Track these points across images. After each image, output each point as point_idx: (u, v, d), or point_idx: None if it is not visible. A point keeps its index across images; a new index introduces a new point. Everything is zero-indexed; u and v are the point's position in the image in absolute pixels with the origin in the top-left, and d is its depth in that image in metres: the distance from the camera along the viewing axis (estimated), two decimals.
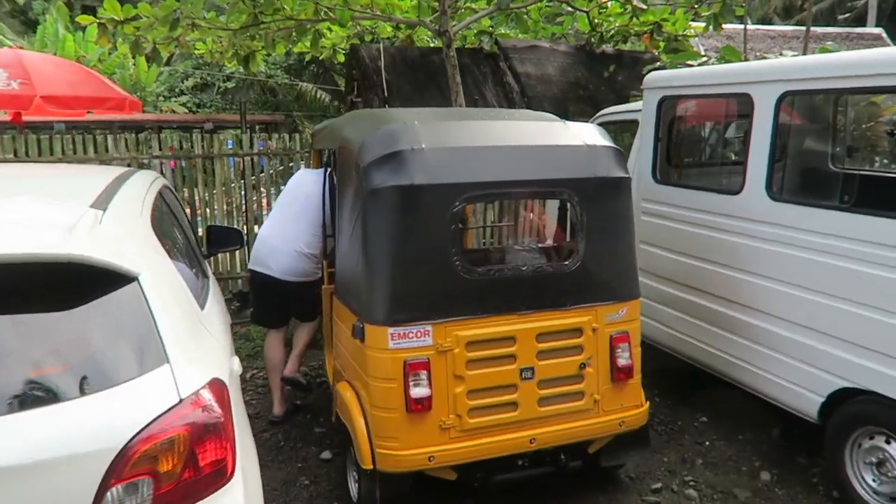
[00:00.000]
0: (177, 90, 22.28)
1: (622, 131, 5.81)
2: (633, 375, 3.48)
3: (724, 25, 8.31)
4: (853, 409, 3.51)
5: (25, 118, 6.95)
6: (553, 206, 4.76)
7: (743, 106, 4.00)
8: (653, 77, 4.80)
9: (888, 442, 3.37)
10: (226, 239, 4.41)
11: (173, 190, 3.97)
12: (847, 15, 22.77)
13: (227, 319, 3.68)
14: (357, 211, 3.22)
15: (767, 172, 3.83)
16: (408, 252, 3.07)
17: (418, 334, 3.09)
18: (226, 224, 6.86)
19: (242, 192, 6.86)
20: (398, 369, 3.07)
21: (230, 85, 22.76)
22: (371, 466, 3.17)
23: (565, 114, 7.65)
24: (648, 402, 3.66)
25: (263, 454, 4.26)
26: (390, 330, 3.06)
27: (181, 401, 1.89)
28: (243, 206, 6.88)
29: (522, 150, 3.29)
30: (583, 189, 3.29)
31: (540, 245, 4.25)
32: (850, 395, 3.51)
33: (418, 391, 3.09)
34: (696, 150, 5.17)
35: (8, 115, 6.96)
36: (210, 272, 4.24)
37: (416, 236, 3.06)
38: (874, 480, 3.46)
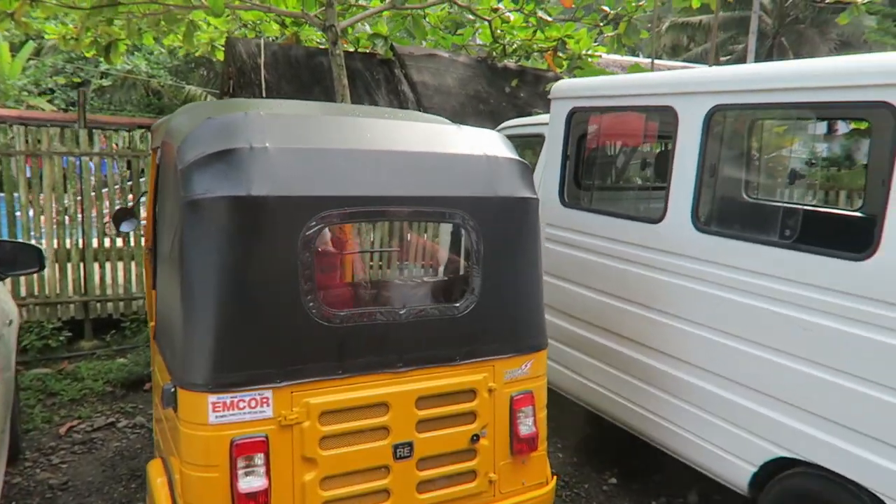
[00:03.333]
0: (43, 85, 20.14)
1: (525, 147, 5.19)
2: (537, 447, 2.76)
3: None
4: (790, 483, 2.96)
5: None
6: (447, 229, 4.03)
7: (666, 121, 3.44)
8: (563, 85, 4.19)
9: None
10: (18, 258, 3.36)
11: None
12: (728, 57, 23.92)
13: None
14: (175, 229, 2.34)
15: (693, 199, 3.27)
16: (239, 289, 2.21)
17: (253, 403, 2.23)
18: (58, 237, 5.67)
19: (79, 199, 5.69)
20: (222, 453, 2.19)
21: (106, 83, 20.85)
22: None
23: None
24: (556, 477, 2.96)
25: None
26: (212, 398, 2.18)
27: None
28: (79, 216, 5.70)
29: (402, 157, 2.50)
30: (480, 211, 2.56)
31: (430, 280, 3.49)
32: (787, 465, 2.96)
33: (250, 482, 2.22)
34: (610, 170, 4.62)
35: None
36: None
37: (253, 267, 2.21)
38: None
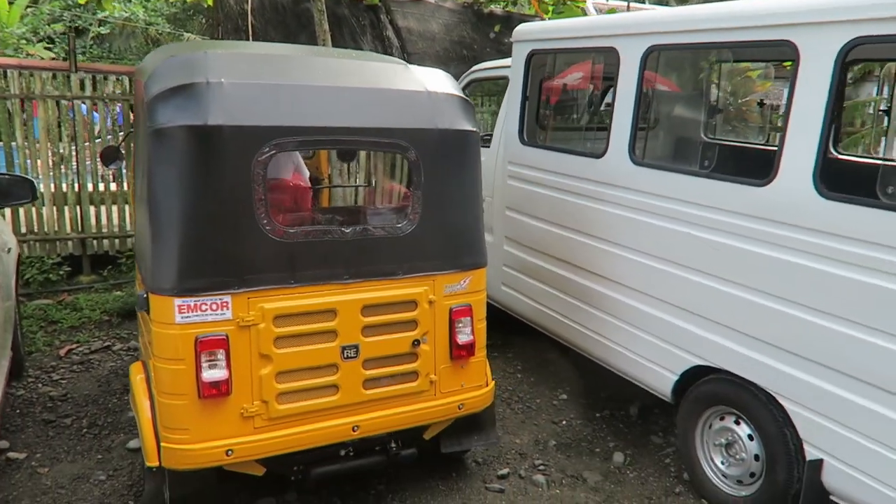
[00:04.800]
0: (42, 33, 20.14)
1: (497, 91, 5.42)
2: (475, 353, 3.12)
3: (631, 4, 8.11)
4: (705, 389, 3.31)
5: None
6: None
7: (610, 62, 3.67)
8: (522, 29, 4.41)
9: (737, 423, 3.19)
10: (13, 190, 3.67)
11: None
12: None
13: None
14: (145, 155, 2.64)
15: (631, 135, 3.54)
16: (200, 207, 2.52)
17: (214, 306, 2.57)
18: (54, 179, 5.98)
19: (74, 143, 5.98)
20: (188, 347, 2.55)
21: (104, 31, 20.81)
22: (157, 464, 2.64)
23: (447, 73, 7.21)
24: (494, 382, 3.33)
25: (60, 446, 3.64)
26: (178, 301, 2.52)
27: None
28: (73, 159, 6.00)
29: (348, 93, 2.78)
30: (420, 141, 2.84)
31: (380, 206, 3.79)
32: (702, 373, 3.31)
33: (213, 374, 2.58)
34: (564, 109, 4.86)
35: None
36: None
37: (212, 188, 2.52)
38: (723, 462, 3.28)
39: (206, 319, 2.56)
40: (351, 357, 2.82)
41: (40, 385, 4.32)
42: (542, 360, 4.95)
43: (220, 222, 2.54)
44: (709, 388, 3.29)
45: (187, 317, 2.54)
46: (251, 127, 2.54)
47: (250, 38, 7.20)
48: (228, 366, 2.60)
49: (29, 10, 19.90)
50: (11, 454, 3.52)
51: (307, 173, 4.34)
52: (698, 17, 3.12)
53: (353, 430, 2.87)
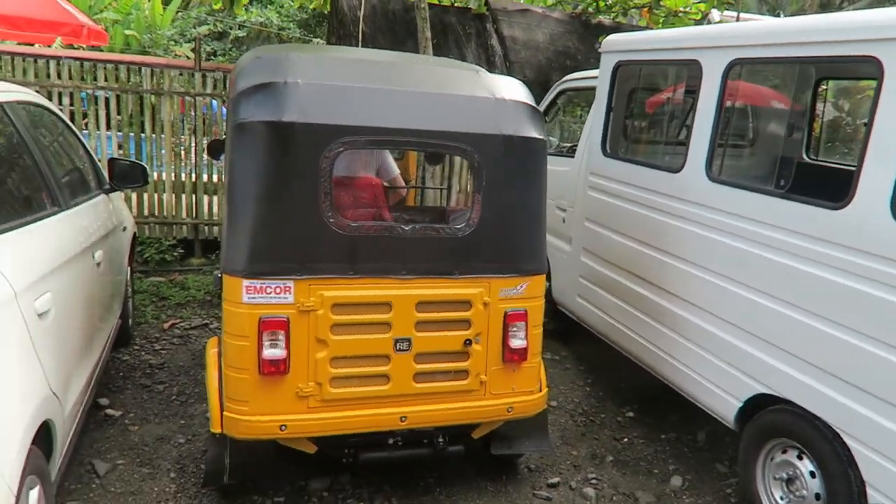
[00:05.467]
0: (188, 35, 21.94)
1: (585, 101, 5.40)
2: (528, 358, 3.15)
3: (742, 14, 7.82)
4: (768, 418, 3.17)
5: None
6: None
7: (693, 75, 3.59)
8: (611, 40, 4.38)
9: (800, 458, 3.03)
10: (129, 174, 4.10)
11: (49, 108, 3.61)
12: None
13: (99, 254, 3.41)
14: (228, 146, 2.89)
15: (709, 150, 3.44)
16: (271, 197, 2.73)
17: (277, 290, 2.77)
18: (175, 168, 6.56)
19: (193, 136, 6.53)
20: (252, 326, 2.76)
21: (241, 34, 22.37)
22: (219, 430, 2.88)
23: (547, 83, 7.22)
24: (548, 389, 3.34)
25: (150, 408, 4.01)
26: (246, 282, 2.74)
27: None
28: (192, 151, 6.55)
29: (416, 97, 2.91)
30: (483, 146, 2.92)
31: (455, 209, 3.88)
32: (767, 402, 3.17)
33: (273, 352, 2.78)
34: (647, 122, 4.76)
35: None
36: (104, 205, 3.95)
37: (283, 180, 2.72)
38: (782, 498, 3.13)
39: (269, 301, 2.76)
40: (403, 350, 2.94)
41: (143, 353, 4.77)
42: (614, 375, 4.87)
43: (288, 212, 2.74)
44: (772, 418, 3.14)
45: (253, 297, 2.75)
46: (321, 125, 2.72)
47: (360, 43, 7.55)
48: (287, 346, 2.79)
49: (179, 13, 21.78)
50: (109, 411, 3.92)
51: (393, 173, 4.51)
52: (780, 30, 3.00)
53: (401, 421, 2.98)
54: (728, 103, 3.37)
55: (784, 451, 3.11)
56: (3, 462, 1.90)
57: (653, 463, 3.83)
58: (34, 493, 2.21)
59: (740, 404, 3.29)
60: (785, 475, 3.10)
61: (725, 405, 3.38)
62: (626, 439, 4.07)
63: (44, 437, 2.36)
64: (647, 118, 4.73)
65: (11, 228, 2.46)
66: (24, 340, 2.25)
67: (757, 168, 3.86)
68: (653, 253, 3.87)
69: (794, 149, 4.12)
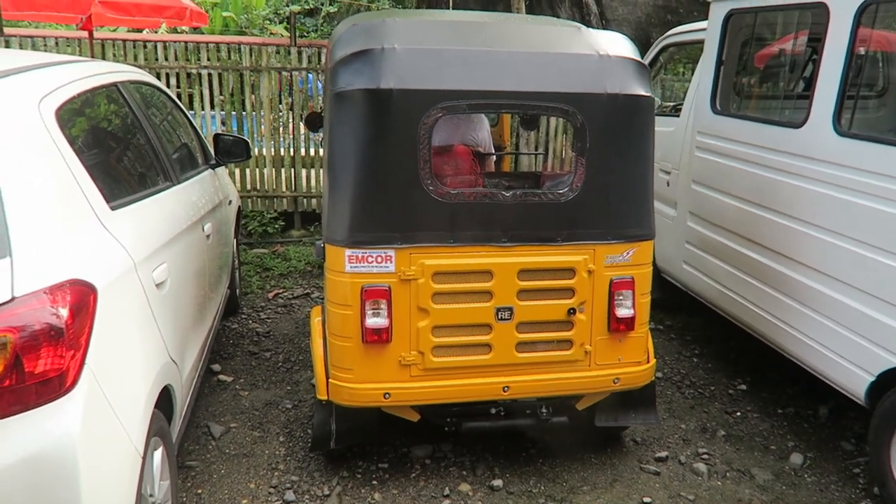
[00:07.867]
0: (282, 15, 22.48)
1: (695, 58, 5.07)
2: (635, 328, 3.01)
3: None
4: None
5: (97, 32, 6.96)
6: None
7: (818, 21, 3.27)
8: None
9: None
10: (232, 149, 4.22)
11: (159, 87, 3.75)
12: None
13: (208, 232, 3.52)
14: (327, 116, 2.89)
15: (837, 102, 3.13)
16: (371, 165, 2.71)
17: (379, 259, 2.77)
18: (274, 143, 6.74)
19: (291, 111, 6.67)
20: (355, 295, 2.77)
21: (332, 9, 22.68)
22: (325, 397, 2.93)
23: (647, 40, 6.87)
24: (656, 360, 3.19)
25: (259, 374, 4.16)
26: (348, 252, 2.75)
27: (13, 299, 1.68)
28: (290, 126, 6.69)
29: (515, 57, 2.79)
30: (586, 106, 2.78)
31: (556, 173, 3.75)
32: None
33: (376, 321, 2.79)
34: (764, 75, 4.40)
35: (78, 27, 7.03)
36: (211, 179, 4.08)
37: (382, 148, 2.69)
38: None
39: (371, 271, 2.76)
40: (505, 319, 2.88)
41: (250, 322, 4.96)
42: (723, 346, 4.63)
43: (387, 180, 2.71)
44: None
45: (356, 267, 2.76)
46: (419, 91, 2.66)
47: (450, 7, 7.43)
48: (389, 315, 2.79)
49: None
50: (222, 377, 4.10)
51: (486, 140, 4.42)
52: None
53: (504, 391, 2.94)
54: (860, 49, 3.04)
55: None
56: (130, 425, 1.99)
57: (769, 439, 3.61)
58: (158, 454, 2.32)
59: (872, 379, 3.02)
60: None
61: (855, 380, 3.12)
62: (738, 413, 3.85)
63: (165, 401, 2.47)
64: (762, 71, 4.38)
65: (128, 203, 2.56)
66: (144, 309, 2.34)
67: (893, 119, 3.48)
68: (770, 216, 3.60)
69: None
